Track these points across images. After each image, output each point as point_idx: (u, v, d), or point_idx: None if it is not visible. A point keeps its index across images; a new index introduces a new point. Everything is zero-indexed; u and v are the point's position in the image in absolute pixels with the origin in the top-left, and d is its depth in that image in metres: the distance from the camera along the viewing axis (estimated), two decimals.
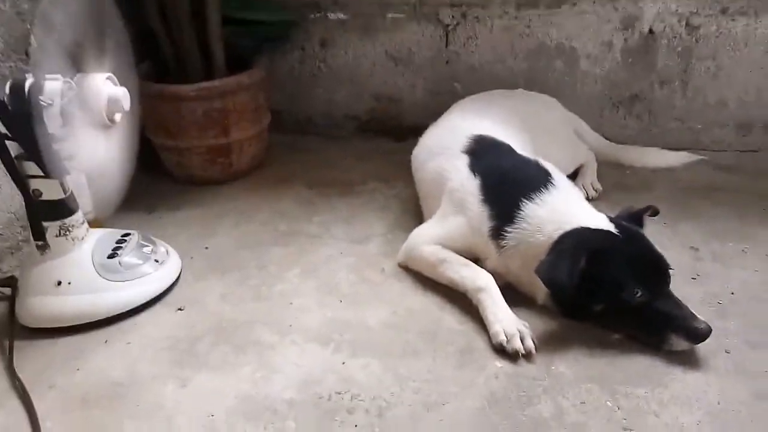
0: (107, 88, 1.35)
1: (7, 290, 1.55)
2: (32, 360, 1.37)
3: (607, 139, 2.21)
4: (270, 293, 1.57)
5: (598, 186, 1.98)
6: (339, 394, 1.25)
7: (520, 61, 2.24)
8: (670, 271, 1.35)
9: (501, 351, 1.32)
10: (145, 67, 2.13)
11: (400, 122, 2.41)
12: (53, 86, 1.32)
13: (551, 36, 2.19)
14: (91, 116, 1.35)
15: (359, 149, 2.37)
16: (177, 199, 2.06)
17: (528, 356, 1.31)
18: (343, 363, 1.33)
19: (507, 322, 1.35)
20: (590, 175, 2.01)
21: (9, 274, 1.62)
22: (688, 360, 1.28)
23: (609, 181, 2.04)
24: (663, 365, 1.27)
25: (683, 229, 1.76)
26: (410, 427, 1.16)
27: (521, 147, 1.70)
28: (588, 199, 1.91)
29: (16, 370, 1.33)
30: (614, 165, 2.14)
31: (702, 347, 1.30)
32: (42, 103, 1.30)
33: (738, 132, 2.20)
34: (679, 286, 1.47)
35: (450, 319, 1.45)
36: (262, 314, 1.49)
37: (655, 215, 1.51)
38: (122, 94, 1.37)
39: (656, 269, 1.34)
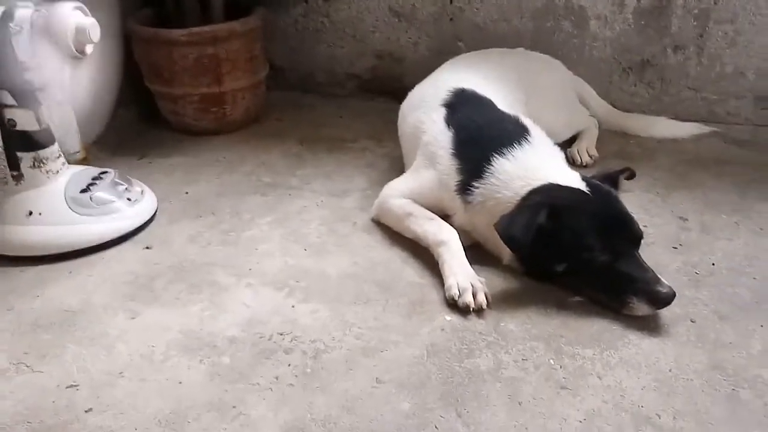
0: (75, 17, 1.35)
1: None
2: None
3: (615, 106, 2.10)
4: (237, 238, 1.57)
5: (594, 152, 1.88)
6: (281, 335, 1.23)
7: (527, 21, 2.15)
8: (641, 234, 1.28)
9: (453, 305, 1.28)
10: (146, 13, 2.13)
11: (402, 82, 2.34)
12: (23, 13, 1.34)
13: None
14: (59, 45, 1.35)
15: (357, 108, 2.33)
16: (169, 147, 2.08)
17: (479, 312, 1.26)
18: (293, 306, 1.31)
19: (462, 277, 1.30)
20: (587, 141, 1.91)
21: None
22: (648, 326, 1.21)
23: (610, 149, 1.95)
24: (620, 329, 1.21)
25: (676, 199, 1.66)
26: (342, 370, 1.14)
27: (509, 105, 1.63)
28: (581, 165, 1.84)
29: None
30: (619, 134, 2.05)
31: (667, 314, 1.22)
32: (12, 29, 1.32)
33: (756, 104, 2.05)
34: (657, 254, 1.41)
35: (410, 272, 1.41)
36: (225, 257, 1.49)
37: (631, 178, 1.44)
38: (90, 24, 1.36)
39: (623, 230, 1.26)
